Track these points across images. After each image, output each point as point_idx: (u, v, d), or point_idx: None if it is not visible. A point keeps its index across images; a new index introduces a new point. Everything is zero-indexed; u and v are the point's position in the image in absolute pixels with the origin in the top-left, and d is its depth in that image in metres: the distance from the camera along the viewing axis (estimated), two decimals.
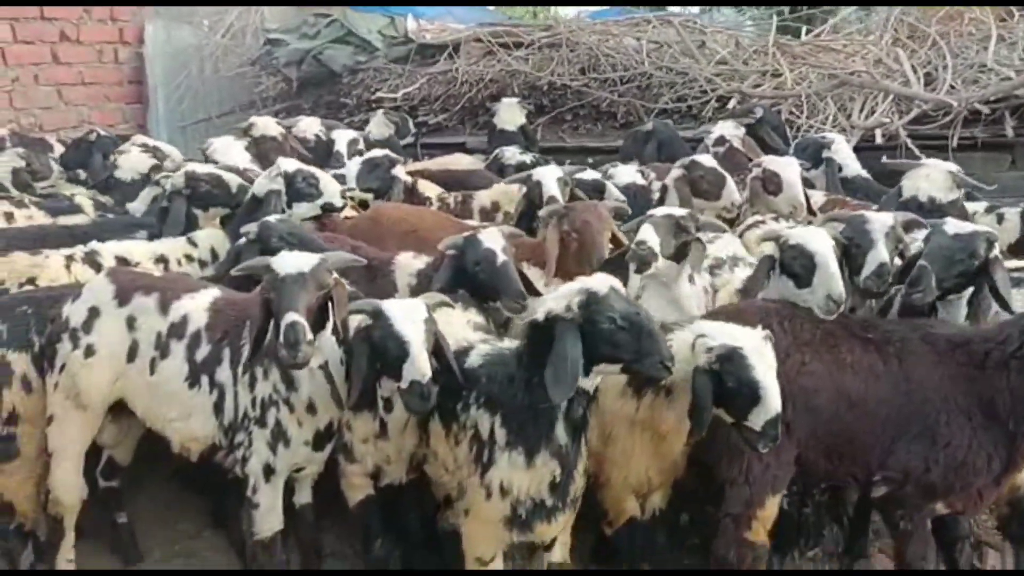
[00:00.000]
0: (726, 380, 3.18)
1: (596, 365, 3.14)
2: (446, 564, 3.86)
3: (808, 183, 5.72)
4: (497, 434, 3.27)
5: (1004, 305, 3.69)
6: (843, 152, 6.15)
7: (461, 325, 3.80)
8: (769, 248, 3.95)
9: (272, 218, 4.45)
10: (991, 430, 3.52)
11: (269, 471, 3.59)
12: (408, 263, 4.42)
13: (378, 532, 3.85)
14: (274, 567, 3.70)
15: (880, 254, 3.82)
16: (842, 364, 3.65)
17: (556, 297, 3.21)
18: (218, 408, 3.64)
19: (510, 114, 7.87)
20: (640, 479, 3.67)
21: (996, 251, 3.78)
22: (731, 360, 3.18)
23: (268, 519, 3.64)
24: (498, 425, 3.27)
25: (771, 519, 3.68)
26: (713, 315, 3.74)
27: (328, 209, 5.08)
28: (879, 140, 7.07)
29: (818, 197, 5.54)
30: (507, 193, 5.81)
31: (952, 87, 7.31)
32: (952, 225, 3.87)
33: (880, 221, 3.95)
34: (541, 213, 4.70)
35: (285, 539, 3.75)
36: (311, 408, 3.54)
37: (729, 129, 6.67)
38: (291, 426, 3.55)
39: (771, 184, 5.39)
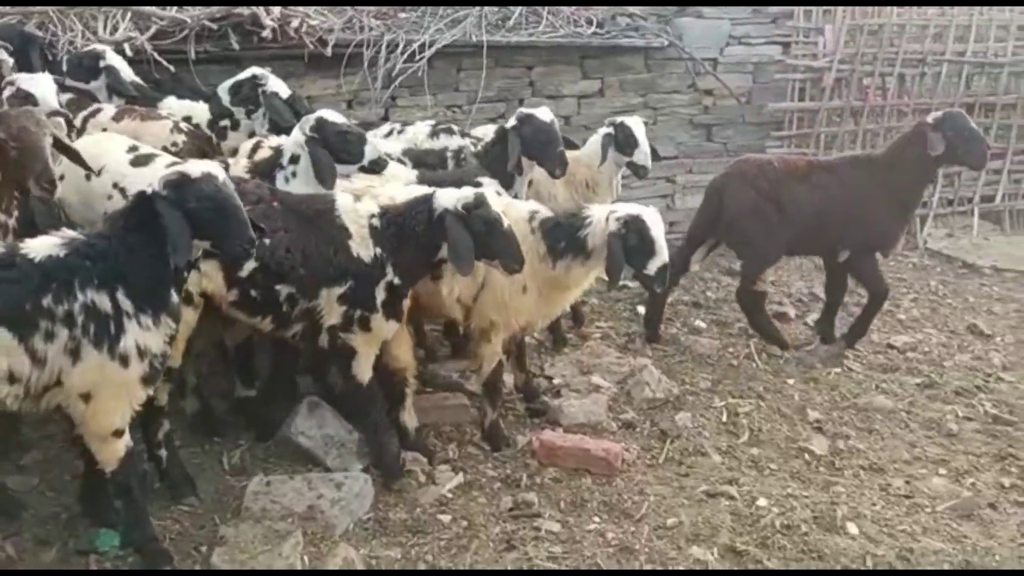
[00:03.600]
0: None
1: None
2: None
3: (91, 94, 6.18)
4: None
5: None
6: (117, 61, 6.69)
7: None
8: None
9: None
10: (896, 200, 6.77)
11: None
12: None
13: None
14: None
15: None
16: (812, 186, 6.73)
17: (157, 179, 3.42)
18: None
19: None
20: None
21: None
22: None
23: None
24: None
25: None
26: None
27: None
28: (129, 54, 7.61)
29: (110, 109, 6.03)
30: None
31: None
32: None
33: None
34: None
35: None
36: None
37: None
38: None
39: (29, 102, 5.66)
